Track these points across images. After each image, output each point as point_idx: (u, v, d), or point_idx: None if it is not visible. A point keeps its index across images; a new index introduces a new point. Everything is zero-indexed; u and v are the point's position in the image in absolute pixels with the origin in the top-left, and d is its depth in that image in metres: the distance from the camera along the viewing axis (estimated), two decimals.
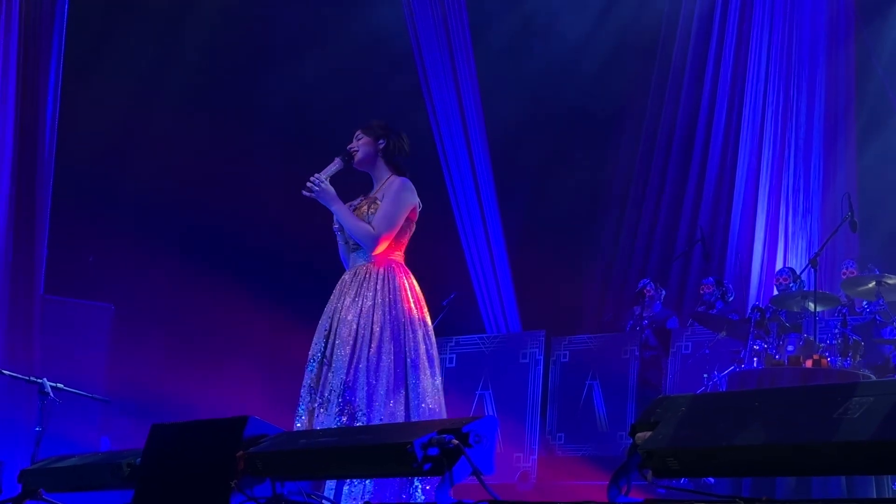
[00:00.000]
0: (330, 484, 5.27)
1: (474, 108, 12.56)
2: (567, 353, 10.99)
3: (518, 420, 10.63)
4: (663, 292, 12.05)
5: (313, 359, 5.68)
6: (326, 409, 5.48)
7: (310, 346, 5.74)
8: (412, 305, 5.72)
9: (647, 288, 11.49)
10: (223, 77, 13.21)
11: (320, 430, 5.20)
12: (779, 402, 2.86)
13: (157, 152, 12.56)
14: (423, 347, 5.68)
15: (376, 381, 5.51)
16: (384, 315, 5.62)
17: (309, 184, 5.76)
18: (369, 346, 5.56)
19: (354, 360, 5.53)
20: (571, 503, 3.19)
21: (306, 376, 5.68)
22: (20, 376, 7.63)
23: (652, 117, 14.12)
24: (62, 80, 10.52)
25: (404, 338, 5.63)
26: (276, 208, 12.41)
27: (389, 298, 5.66)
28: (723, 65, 13.50)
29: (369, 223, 5.73)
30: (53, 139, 10.40)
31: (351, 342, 5.57)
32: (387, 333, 5.60)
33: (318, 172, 5.81)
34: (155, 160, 12.52)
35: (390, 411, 5.49)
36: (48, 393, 7.26)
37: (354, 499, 5.30)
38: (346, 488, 5.33)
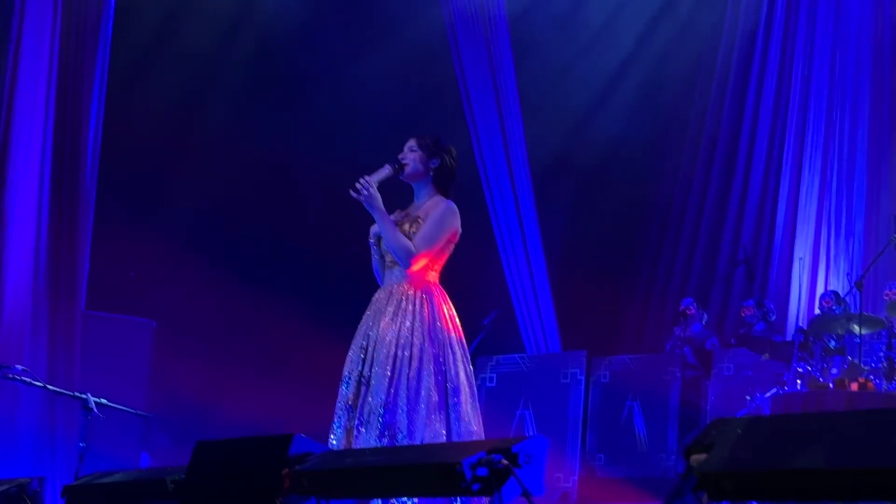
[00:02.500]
0: (376, 503, 5.26)
1: (516, 129, 12.57)
2: (608, 373, 10.93)
3: (558, 440, 10.57)
4: (705, 316, 11.96)
5: (349, 377, 5.67)
6: (366, 430, 5.47)
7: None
8: (450, 328, 5.71)
9: (690, 308, 11.45)
10: (267, 94, 13.26)
11: (367, 448, 5.18)
12: (838, 425, 2.81)
13: (199, 167, 12.60)
14: (462, 369, 5.67)
15: (416, 402, 5.49)
16: (423, 337, 5.60)
17: (358, 185, 5.70)
18: (409, 368, 5.54)
19: (394, 382, 5.51)
20: None
21: (341, 394, 5.67)
22: (66, 392, 7.65)
23: (693, 139, 14.07)
24: (105, 93, 10.56)
25: (444, 360, 5.61)
26: (318, 224, 12.43)
27: (428, 321, 5.63)
28: (765, 85, 13.44)
29: (410, 240, 5.71)
30: (96, 153, 10.41)
31: (390, 364, 5.55)
32: (426, 355, 5.57)
33: (368, 175, 5.74)
34: (197, 175, 12.56)
35: (432, 432, 5.47)
36: (92, 409, 7.26)
37: None
38: None
